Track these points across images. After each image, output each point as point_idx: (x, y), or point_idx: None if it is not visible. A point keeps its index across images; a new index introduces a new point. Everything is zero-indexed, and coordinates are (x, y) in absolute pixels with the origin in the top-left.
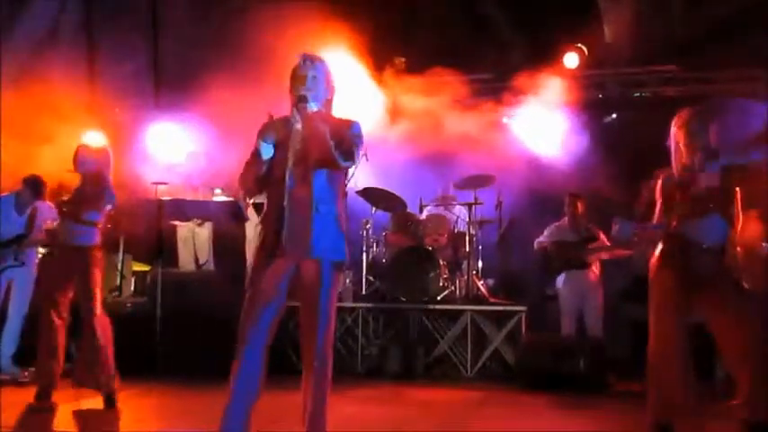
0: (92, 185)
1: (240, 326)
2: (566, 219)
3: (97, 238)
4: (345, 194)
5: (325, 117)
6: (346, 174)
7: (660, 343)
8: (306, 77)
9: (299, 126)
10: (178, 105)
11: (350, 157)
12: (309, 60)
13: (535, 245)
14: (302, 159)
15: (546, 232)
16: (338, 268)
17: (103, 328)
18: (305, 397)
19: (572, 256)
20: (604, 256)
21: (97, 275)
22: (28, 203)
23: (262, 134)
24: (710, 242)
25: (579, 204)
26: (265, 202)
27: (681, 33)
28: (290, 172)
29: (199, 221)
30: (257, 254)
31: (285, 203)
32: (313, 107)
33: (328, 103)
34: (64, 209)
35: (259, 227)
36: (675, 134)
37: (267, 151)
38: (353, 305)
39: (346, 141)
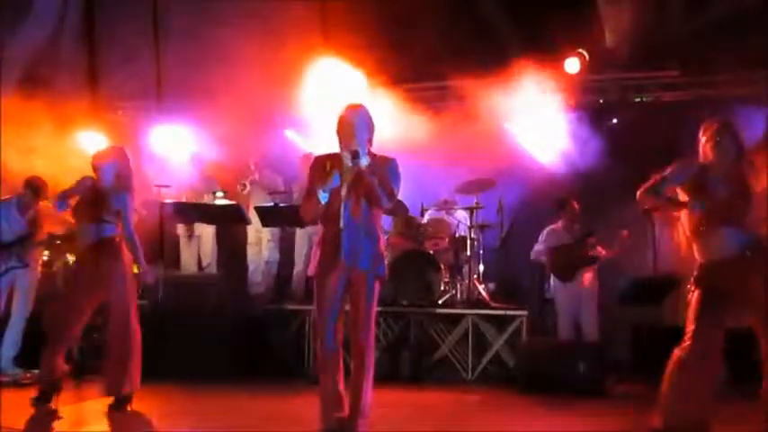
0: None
1: (316, 325)
2: (560, 222)
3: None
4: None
5: (372, 167)
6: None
7: (699, 355)
8: (353, 131)
9: (349, 163)
10: (181, 107)
11: (393, 197)
12: (353, 111)
13: (532, 255)
14: (354, 192)
15: (541, 238)
16: (379, 280)
17: (135, 330)
18: (351, 385)
19: (576, 255)
20: (605, 251)
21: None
22: (30, 205)
23: (319, 181)
24: (738, 251)
25: (575, 206)
26: (321, 225)
27: (681, 38)
28: (345, 202)
29: (189, 233)
30: (320, 267)
31: (341, 227)
32: (364, 161)
33: (369, 141)
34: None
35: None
36: (703, 145)
37: (324, 198)
38: None
39: (388, 184)
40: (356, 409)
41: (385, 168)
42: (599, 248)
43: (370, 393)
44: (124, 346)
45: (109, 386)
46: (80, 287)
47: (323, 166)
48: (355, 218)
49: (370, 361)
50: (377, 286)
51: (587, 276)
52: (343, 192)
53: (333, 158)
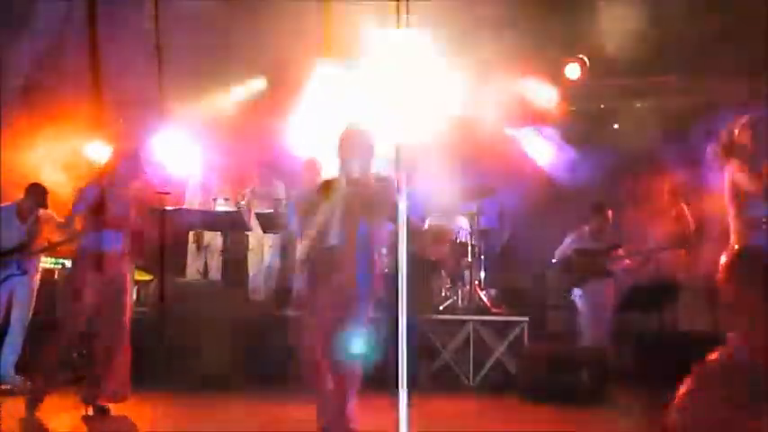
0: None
1: (303, 339)
2: (586, 228)
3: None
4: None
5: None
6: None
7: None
8: (353, 151)
9: (344, 185)
10: (183, 115)
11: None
12: (353, 129)
13: (556, 254)
14: (348, 215)
15: (566, 241)
16: (373, 298)
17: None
18: (336, 395)
19: (596, 264)
20: (627, 264)
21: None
22: (30, 212)
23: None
24: None
25: (608, 213)
26: (313, 242)
27: (682, 44)
28: (340, 224)
29: (199, 242)
30: (310, 285)
31: (335, 249)
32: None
33: (369, 164)
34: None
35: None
36: (739, 137)
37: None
38: None
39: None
40: (341, 419)
41: (382, 182)
42: (625, 261)
43: (354, 403)
44: (126, 352)
45: (115, 392)
46: (81, 291)
47: (322, 192)
48: (350, 239)
49: (357, 372)
50: (370, 305)
51: (608, 286)
52: (338, 214)
53: (330, 183)
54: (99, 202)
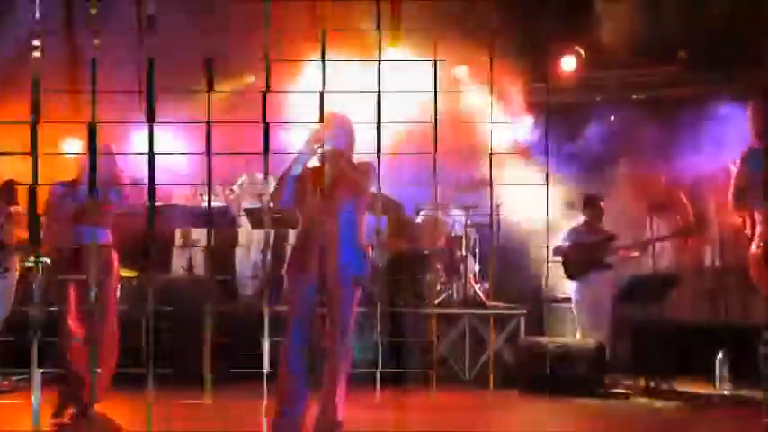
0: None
1: (286, 328)
2: (582, 220)
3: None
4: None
5: (344, 155)
6: (365, 203)
7: None
8: (332, 130)
9: (326, 171)
10: (169, 109)
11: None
12: (332, 116)
13: (552, 251)
14: (330, 197)
15: (563, 236)
16: (359, 283)
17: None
18: (325, 392)
19: (593, 257)
20: (625, 255)
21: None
22: (2, 210)
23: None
24: None
25: (600, 206)
26: (299, 227)
27: (679, 35)
28: (320, 203)
29: (186, 240)
30: (291, 271)
31: (316, 230)
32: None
33: (349, 149)
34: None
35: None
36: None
37: (298, 168)
38: None
39: (365, 176)
40: (330, 416)
41: (361, 167)
42: (621, 252)
43: (344, 400)
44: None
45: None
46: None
47: (306, 179)
48: (331, 220)
49: (345, 367)
50: (357, 292)
51: (606, 279)
52: (318, 197)
53: (313, 171)
54: (75, 198)
